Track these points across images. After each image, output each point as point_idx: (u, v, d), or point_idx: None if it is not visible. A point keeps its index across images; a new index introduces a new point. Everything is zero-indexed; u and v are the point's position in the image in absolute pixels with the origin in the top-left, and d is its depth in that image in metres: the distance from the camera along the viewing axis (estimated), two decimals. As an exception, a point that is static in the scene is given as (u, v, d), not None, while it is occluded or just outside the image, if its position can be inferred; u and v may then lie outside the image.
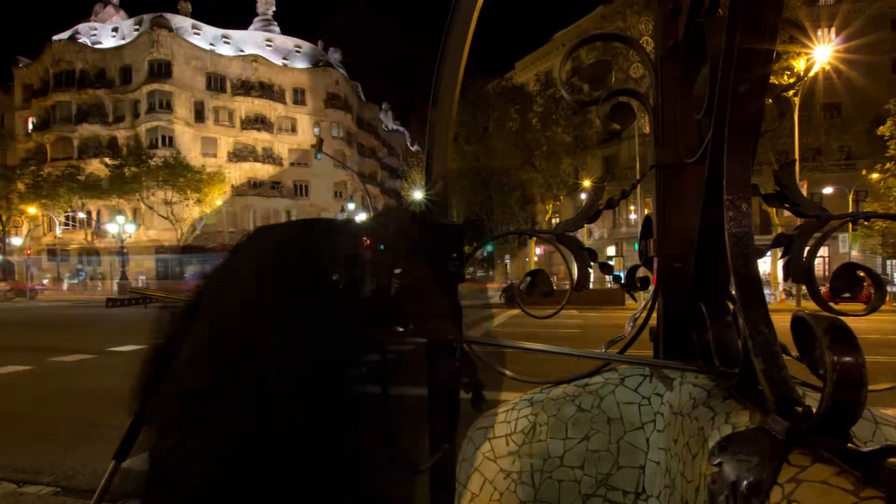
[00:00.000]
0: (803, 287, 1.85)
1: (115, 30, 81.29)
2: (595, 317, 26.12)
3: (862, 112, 44.33)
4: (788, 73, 31.06)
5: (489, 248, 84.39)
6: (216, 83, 78.39)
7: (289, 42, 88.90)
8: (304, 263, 1.35)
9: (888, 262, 45.99)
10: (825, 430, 1.00)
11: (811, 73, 32.55)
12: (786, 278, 1.91)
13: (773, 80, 1.41)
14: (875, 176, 38.85)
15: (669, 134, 2.04)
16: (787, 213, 2.07)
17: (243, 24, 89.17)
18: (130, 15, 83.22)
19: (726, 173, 1.33)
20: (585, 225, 2.19)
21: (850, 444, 0.98)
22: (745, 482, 1.04)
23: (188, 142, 73.75)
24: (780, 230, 2.76)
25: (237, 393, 1.17)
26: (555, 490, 2.04)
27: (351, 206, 50.20)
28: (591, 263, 2.19)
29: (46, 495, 5.58)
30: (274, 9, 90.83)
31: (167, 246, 65.85)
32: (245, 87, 79.74)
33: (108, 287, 63.44)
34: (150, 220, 68.02)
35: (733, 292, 1.30)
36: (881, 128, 36.99)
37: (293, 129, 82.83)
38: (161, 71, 74.55)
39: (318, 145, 39.08)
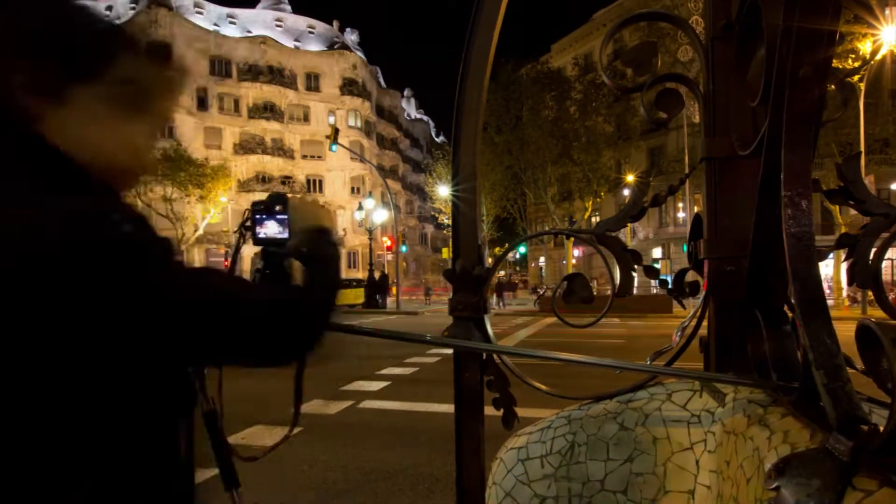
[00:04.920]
0: (869, 293, 1.85)
1: (110, 8, 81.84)
2: (639, 325, 26.03)
3: (936, 100, 43.72)
4: (853, 56, 30.66)
5: (522, 249, 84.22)
6: (221, 67, 78.72)
7: (301, 22, 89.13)
8: None
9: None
10: (894, 450, 1.00)
11: (878, 57, 32.12)
12: (850, 283, 1.91)
13: (835, 63, 1.41)
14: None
15: (721, 123, 2.04)
16: (851, 212, 2.06)
17: (250, 3, 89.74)
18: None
19: (784, 167, 1.33)
20: (629, 224, 2.19)
21: (921, 467, 0.98)
22: (804, 508, 1.04)
23: (190, 132, 74.03)
24: (843, 230, 2.74)
25: None
26: (594, 516, 2.04)
27: (369, 202, 50.23)
28: (635, 266, 2.19)
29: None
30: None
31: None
32: (252, 72, 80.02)
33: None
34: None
35: (792, 298, 1.30)
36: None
37: (305, 119, 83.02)
38: (160, 54, 74.78)
39: (334, 136, 39.15)
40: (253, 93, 79.87)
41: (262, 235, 1.85)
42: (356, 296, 43.26)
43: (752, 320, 1.70)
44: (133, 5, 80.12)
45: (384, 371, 13.77)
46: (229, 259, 1.97)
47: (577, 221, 54.80)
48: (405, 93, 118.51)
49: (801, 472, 1.12)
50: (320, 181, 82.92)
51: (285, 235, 1.83)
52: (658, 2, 47.30)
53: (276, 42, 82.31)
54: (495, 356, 2.19)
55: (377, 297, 43.14)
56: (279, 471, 6.77)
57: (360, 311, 38.97)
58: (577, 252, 57.99)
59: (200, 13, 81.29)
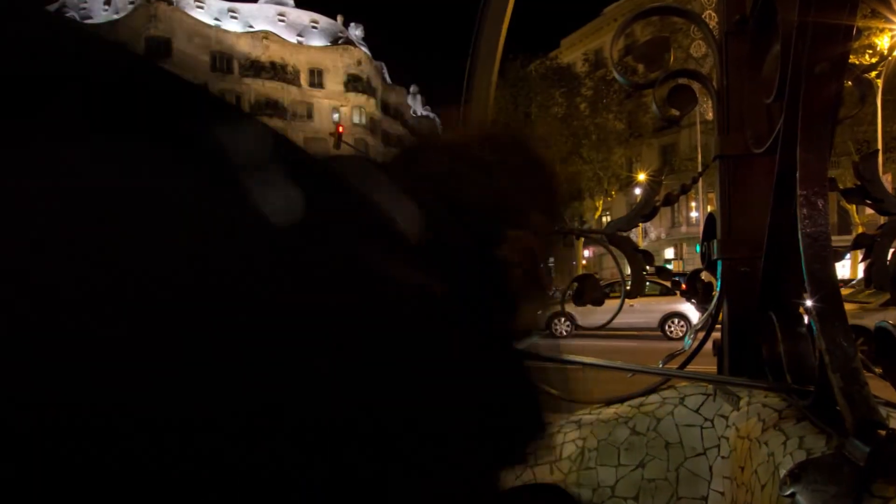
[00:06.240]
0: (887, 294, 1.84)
1: (108, 3, 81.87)
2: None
3: (956, 96, 43.48)
4: (870, 51, 30.47)
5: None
6: (222, 63, 78.50)
7: (304, 17, 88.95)
8: None
9: None
10: (912, 455, 1.00)
11: (896, 52, 31.92)
12: (867, 285, 1.91)
13: (852, 59, 1.41)
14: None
15: (735, 120, 2.04)
16: (868, 211, 2.06)
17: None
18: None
19: (800, 165, 1.33)
20: (640, 224, 2.19)
21: (939, 472, 0.98)
22: (820, 514, 1.04)
23: (190, 130, 73.84)
24: (860, 230, 2.74)
25: None
26: (605, 523, 2.04)
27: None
28: (647, 267, 2.19)
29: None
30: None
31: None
32: (255, 68, 79.87)
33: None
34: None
35: (807, 300, 1.30)
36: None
37: (309, 116, 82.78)
38: (160, 49, 74.74)
39: (338, 134, 39.18)
40: (255, 89, 79.70)
41: None
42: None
43: (767, 322, 1.70)
44: (132, 1, 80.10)
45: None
46: None
47: (588, 221, 54.68)
48: (411, 89, 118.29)
49: (818, 478, 1.12)
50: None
51: None
52: (670, -4, 47.03)
53: (279, 37, 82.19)
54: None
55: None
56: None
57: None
58: (587, 253, 57.84)
59: (201, 7, 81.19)
